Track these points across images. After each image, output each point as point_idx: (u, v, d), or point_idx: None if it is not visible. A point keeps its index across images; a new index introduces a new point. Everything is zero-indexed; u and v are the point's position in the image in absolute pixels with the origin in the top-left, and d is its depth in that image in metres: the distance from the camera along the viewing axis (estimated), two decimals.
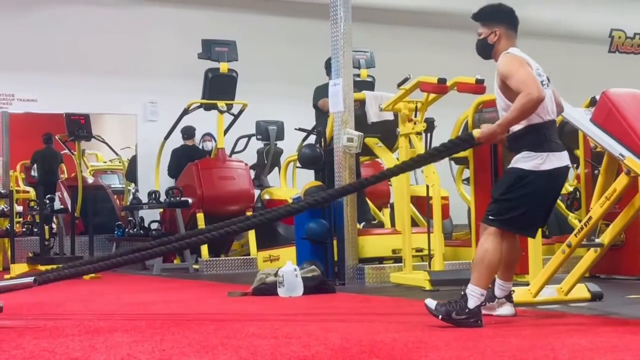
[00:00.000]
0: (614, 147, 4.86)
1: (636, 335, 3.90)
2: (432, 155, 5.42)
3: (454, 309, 4.22)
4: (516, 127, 4.34)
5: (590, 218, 4.85)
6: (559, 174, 4.42)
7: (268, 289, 6.38)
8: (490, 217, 4.41)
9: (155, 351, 3.71)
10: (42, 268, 8.49)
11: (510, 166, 4.42)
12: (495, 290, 4.60)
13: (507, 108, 4.37)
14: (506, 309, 4.60)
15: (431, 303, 4.30)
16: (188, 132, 10.95)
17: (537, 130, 4.33)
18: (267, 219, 5.63)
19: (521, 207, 4.36)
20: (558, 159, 4.37)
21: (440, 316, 4.23)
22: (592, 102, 5.84)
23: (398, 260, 7.47)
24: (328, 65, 8.07)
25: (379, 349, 3.62)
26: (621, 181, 4.86)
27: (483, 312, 4.32)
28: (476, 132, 4.63)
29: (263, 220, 5.72)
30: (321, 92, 8.21)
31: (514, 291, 4.70)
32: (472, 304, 4.22)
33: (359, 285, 7.20)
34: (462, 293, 4.28)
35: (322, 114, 8.21)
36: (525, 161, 4.32)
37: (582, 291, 5.14)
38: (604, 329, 4.22)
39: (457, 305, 4.22)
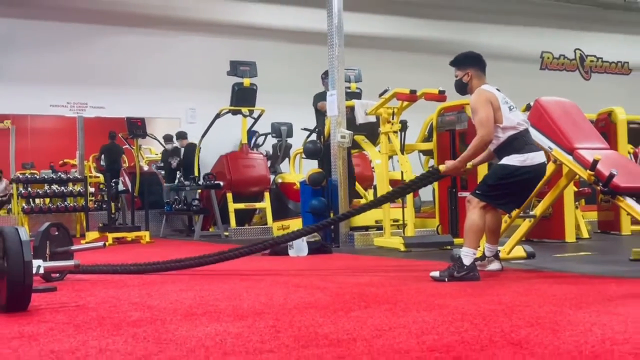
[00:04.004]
0: (544, 142, 4.87)
1: (560, 285, 3.92)
2: (409, 186, 5.46)
3: (454, 269, 4.19)
4: (500, 141, 4.35)
5: None
6: (539, 168, 4.42)
7: (281, 251, 6.40)
8: (477, 192, 4.42)
9: (196, 297, 3.74)
10: (110, 235, 8.55)
11: (501, 162, 4.39)
12: (485, 251, 4.61)
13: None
14: (495, 265, 4.61)
15: (435, 273, 4.24)
16: (182, 135, 11.15)
17: (516, 138, 4.34)
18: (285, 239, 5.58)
19: (505, 190, 4.37)
20: (537, 157, 4.38)
21: (446, 279, 4.16)
22: (528, 108, 5.82)
23: (380, 228, 7.49)
24: (324, 77, 8.10)
25: (366, 295, 3.64)
26: (549, 168, 4.88)
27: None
28: (442, 167, 4.74)
29: (287, 238, 5.61)
30: (319, 97, 8.25)
31: (499, 251, 4.72)
32: (467, 261, 4.21)
33: (350, 248, 7.22)
34: (457, 256, 4.26)
35: (320, 115, 8.22)
36: (516, 159, 4.31)
37: (519, 251, 5.17)
38: (536, 280, 4.24)
39: (456, 266, 4.20)
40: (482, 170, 6.22)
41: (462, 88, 4.57)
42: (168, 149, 11.11)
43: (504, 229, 4.93)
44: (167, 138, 11.29)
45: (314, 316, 3.02)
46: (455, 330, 2.63)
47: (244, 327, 2.80)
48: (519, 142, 4.34)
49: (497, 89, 4.49)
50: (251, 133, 11.11)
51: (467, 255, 4.22)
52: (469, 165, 4.67)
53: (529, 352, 2.23)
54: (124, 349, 2.44)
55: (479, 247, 4.42)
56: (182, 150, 11.06)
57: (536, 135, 4.89)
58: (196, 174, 10.50)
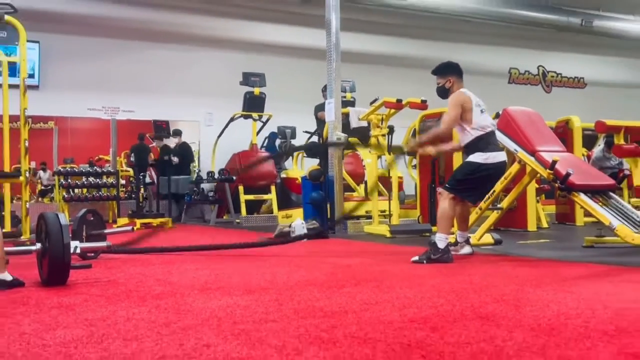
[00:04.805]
0: (511, 145, 4.88)
1: (522, 267, 3.92)
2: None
3: (431, 252, 4.18)
4: (469, 139, 4.35)
5: (494, 191, 4.87)
6: (499, 166, 4.43)
7: (285, 236, 6.40)
8: (447, 186, 4.43)
9: (211, 275, 3.74)
10: (138, 221, 8.54)
11: (467, 160, 4.39)
12: (457, 237, 4.60)
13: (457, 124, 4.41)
14: (466, 249, 4.61)
15: (415, 257, 4.22)
16: (178, 132, 10.88)
17: (482, 138, 4.34)
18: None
19: (471, 184, 4.38)
20: (498, 156, 4.39)
21: (424, 261, 4.13)
22: (497, 116, 5.81)
23: (369, 217, 7.48)
24: (324, 90, 8.07)
25: (356, 275, 3.64)
26: (515, 167, 4.89)
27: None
28: (404, 146, 4.78)
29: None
30: (319, 108, 8.23)
31: (470, 237, 4.71)
32: (441, 245, 4.20)
33: (343, 234, 7.20)
34: (432, 241, 4.24)
35: (320, 122, 8.21)
36: (479, 157, 4.32)
37: (488, 238, 5.18)
38: (502, 263, 4.25)
39: (432, 250, 4.19)
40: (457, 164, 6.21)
41: (444, 93, 4.54)
42: (158, 146, 10.91)
43: (474, 219, 4.93)
44: (158, 137, 11.17)
45: (311, 292, 3.01)
46: (432, 305, 2.63)
47: (251, 300, 2.80)
48: (483, 143, 4.35)
49: None
50: (273, 136, 11.07)
51: (440, 240, 4.22)
52: (433, 151, 4.71)
53: (495, 324, 2.23)
54: (148, 318, 2.44)
55: (451, 232, 4.43)
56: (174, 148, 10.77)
57: (504, 139, 4.90)
58: (212, 168, 10.48)
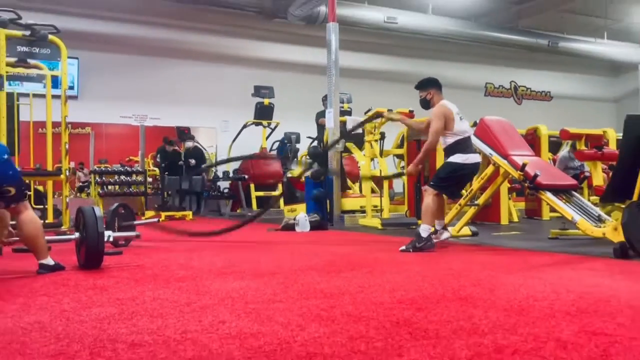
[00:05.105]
0: (487, 150, 4.87)
1: (496, 256, 3.92)
2: None
3: (415, 241, 4.17)
4: (449, 142, 4.34)
5: (471, 189, 4.87)
6: (475, 166, 4.42)
7: (290, 227, 6.40)
8: (432, 183, 4.42)
9: (225, 261, 3.74)
10: (163, 213, 8.53)
11: (448, 160, 4.37)
12: (437, 225, 4.57)
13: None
14: (445, 234, 4.54)
15: (403, 247, 4.20)
16: (191, 137, 10.55)
17: (459, 143, 4.34)
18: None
19: (452, 181, 4.36)
20: (475, 158, 4.40)
21: (411, 250, 4.13)
22: (474, 124, 5.81)
23: (363, 211, 7.47)
24: (324, 99, 8.07)
25: (352, 261, 3.64)
26: (490, 169, 4.88)
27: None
28: (406, 170, 4.67)
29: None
30: (319, 115, 8.24)
31: (447, 223, 4.68)
32: (424, 234, 4.19)
33: (341, 226, 7.20)
34: (417, 232, 4.22)
35: (320, 128, 8.21)
36: (458, 158, 4.31)
37: (466, 230, 5.17)
38: (479, 252, 4.24)
39: (416, 239, 4.18)
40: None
41: (426, 104, 4.54)
42: (168, 150, 10.78)
43: (454, 214, 4.92)
44: (168, 142, 11.07)
45: (313, 276, 3.01)
46: (418, 288, 2.63)
47: (261, 283, 2.80)
48: (462, 146, 4.35)
49: None
50: (284, 144, 11.02)
51: (424, 230, 4.22)
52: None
53: (472, 305, 2.23)
54: (171, 298, 2.44)
55: (434, 224, 4.42)
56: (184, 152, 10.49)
57: (480, 145, 4.89)
58: (227, 168, 10.47)
